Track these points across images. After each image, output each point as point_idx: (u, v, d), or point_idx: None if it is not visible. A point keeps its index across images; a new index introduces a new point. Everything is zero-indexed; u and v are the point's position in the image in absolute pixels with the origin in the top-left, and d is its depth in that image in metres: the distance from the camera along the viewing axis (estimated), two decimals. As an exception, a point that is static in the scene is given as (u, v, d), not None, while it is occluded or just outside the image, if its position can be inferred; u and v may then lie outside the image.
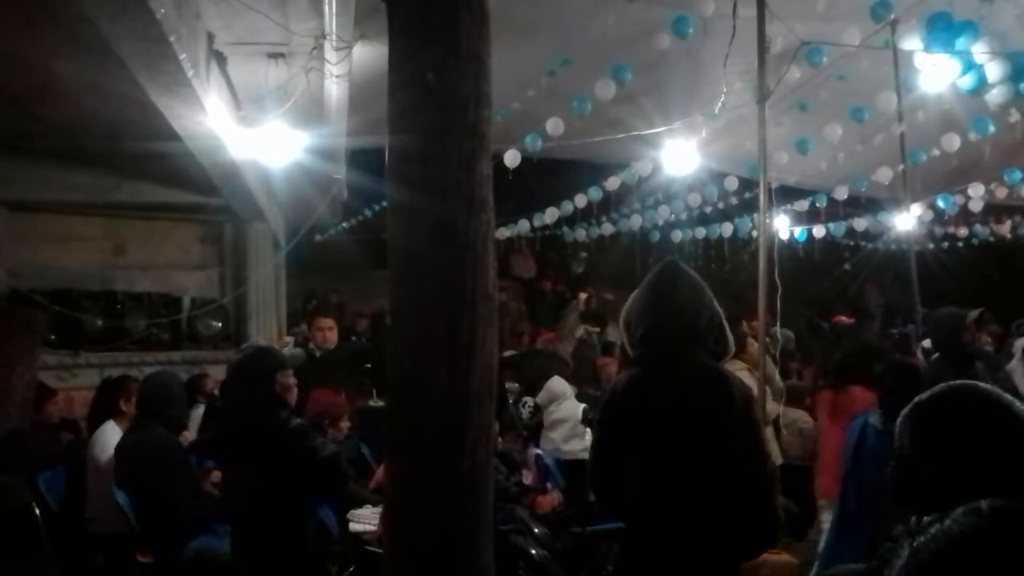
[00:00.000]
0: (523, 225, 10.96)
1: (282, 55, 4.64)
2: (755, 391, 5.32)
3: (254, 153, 5.28)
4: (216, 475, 5.09)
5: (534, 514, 5.48)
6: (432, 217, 1.09)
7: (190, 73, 3.93)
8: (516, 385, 8.51)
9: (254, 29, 4.29)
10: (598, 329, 10.85)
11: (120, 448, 4.78)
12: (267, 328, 9.75)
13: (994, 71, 5.47)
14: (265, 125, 4.98)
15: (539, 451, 6.46)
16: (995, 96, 5.63)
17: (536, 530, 4.93)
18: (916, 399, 1.64)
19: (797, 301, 12.11)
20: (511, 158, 7.95)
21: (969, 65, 5.58)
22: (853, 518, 3.84)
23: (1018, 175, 8.56)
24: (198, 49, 4.16)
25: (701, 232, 11.18)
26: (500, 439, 6.53)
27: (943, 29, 5.47)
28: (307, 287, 12.78)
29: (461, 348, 1.15)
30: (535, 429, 7.00)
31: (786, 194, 9.83)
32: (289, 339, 9.05)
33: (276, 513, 3.69)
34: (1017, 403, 1.54)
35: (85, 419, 6.09)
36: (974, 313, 5.37)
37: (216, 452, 4.41)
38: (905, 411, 1.65)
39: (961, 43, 5.46)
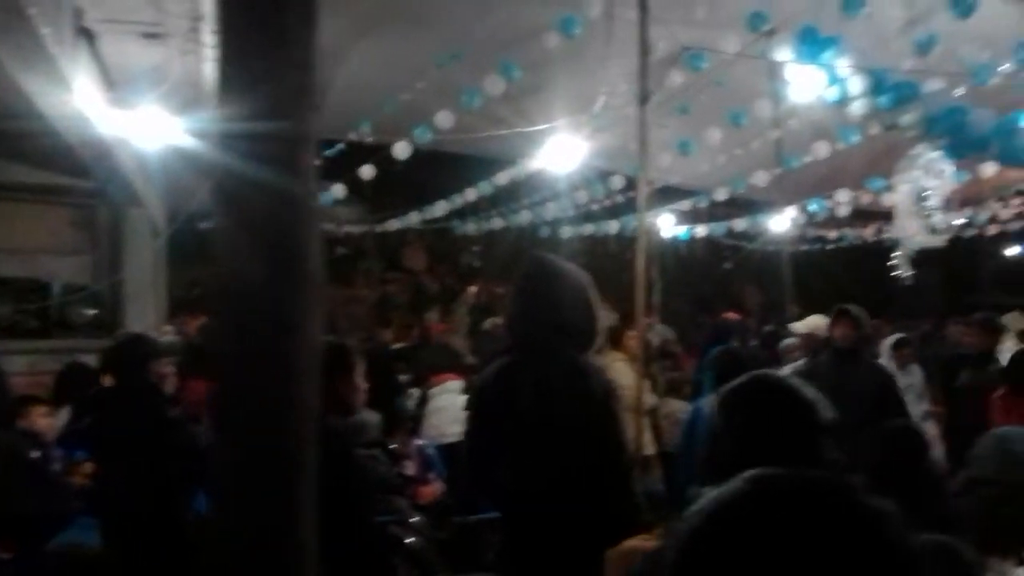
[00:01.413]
0: (413, 217, 10.93)
1: (157, 36, 4.49)
2: (632, 382, 5.53)
3: (127, 135, 5.09)
4: (88, 467, 4.90)
5: (415, 504, 5.51)
6: (255, 201, 1.11)
7: (54, 49, 3.77)
8: (405, 377, 8.49)
9: (126, 7, 4.15)
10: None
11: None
12: (146, 317, 9.42)
13: (856, 85, 5.78)
14: (139, 107, 4.81)
15: (422, 442, 6.49)
16: (857, 108, 5.96)
17: (413, 520, 4.95)
18: (727, 385, 1.79)
19: (681, 298, 12.54)
20: (401, 150, 7.95)
21: (834, 78, 5.88)
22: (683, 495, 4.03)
23: (880, 183, 9.08)
24: (63, 24, 3.99)
25: (589, 229, 11.42)
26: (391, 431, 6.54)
27: (810, 43, 5.76)
28: (191, 275, 12.39)
29: (286, 328, 1.17)
30: (420, 420, 7.03)
31: (669, 194, 10.15)
32: (169, 328, 8.79)
33: (151, 505, 3.60)
34: (808, 388, 1.70)
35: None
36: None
37: (87, 443, 4.25)
38: (718, 394, 1.79)
39: (826, 57, 5.75)
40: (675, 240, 11.19)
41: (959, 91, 6.40)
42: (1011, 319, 7.97)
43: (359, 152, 8.43)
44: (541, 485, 2.63)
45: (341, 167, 8.93)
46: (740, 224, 10.84)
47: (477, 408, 2.87)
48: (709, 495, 0.87)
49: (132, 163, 7.27)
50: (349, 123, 8.19)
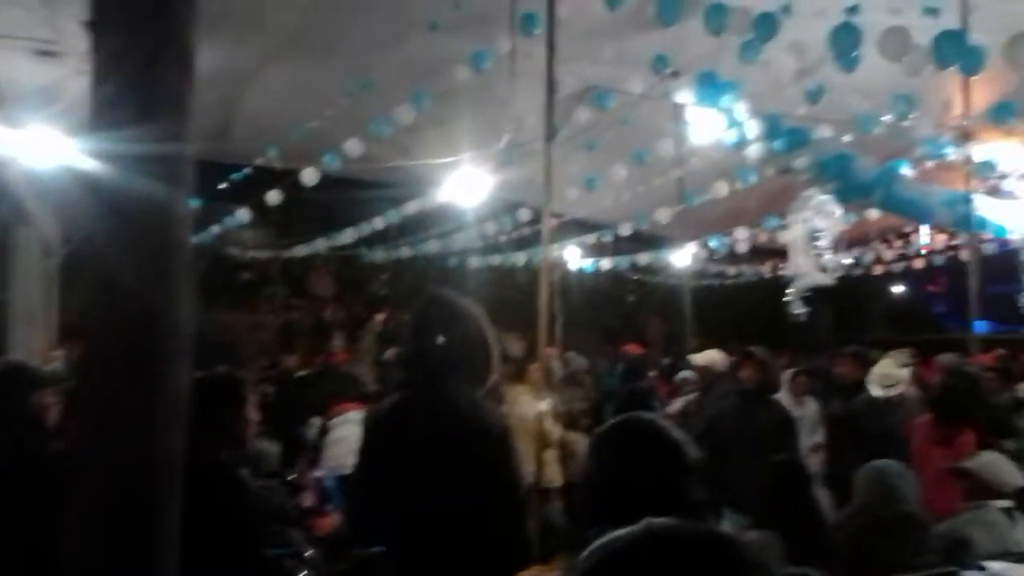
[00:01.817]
0: (320, 244, 10.82)
1: (52, 54, 4.35)
2: (536, 413, 5.58)
3: (15, 153, 4.90)
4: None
5: (312, 537, 5.41)
6: (131, 217, 1.10)
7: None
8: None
9: (19, 23, 4.01)
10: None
11: None
12: (33, 341, 8.99)
13: (753, 129, 6.04)
14: (29, 125, 4.64)
15: (320, 473, 6.38)
16: (754, 151, 6.21)
17: (308, 553, 4.85)
18: (602, 426, 1.85)
19: (586, 330, 12.72)
20: (309, 176, 7.87)
21: (732, 121, 6.12)
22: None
23: (775, 222, 9.47)
24: (-49, 38, 3.83)
25: (497, 260, 11.50)
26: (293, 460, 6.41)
27: (710, 87, 5.99)
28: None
29: (146, 374, 1.15)
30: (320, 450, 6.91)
31: (576, 227, 10.34)
32: (58, 353, 8.41)
33: (26, 543, 3.41)
34: (675, 430, 1.77)
35: None
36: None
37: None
38: (591, 436, 1.85)
39: (725, 101, 5.99)
40: (581, 272, 11.37)
41: (847, 138, 6.76)
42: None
43: (266, 177, 8.32)
44: (429, 521, 2.62)
45: (248, 192, 8.79)
46: (644, 258, 11.10)
47: (369, 441, 2.85)
48: (603, 538, 0.92)
49: (22, 181, 6.99)
50: (257, 148, 8.08)
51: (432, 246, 11.02)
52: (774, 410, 5.26)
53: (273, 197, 8.39)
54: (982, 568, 3.38)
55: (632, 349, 10.93)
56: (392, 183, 9.24)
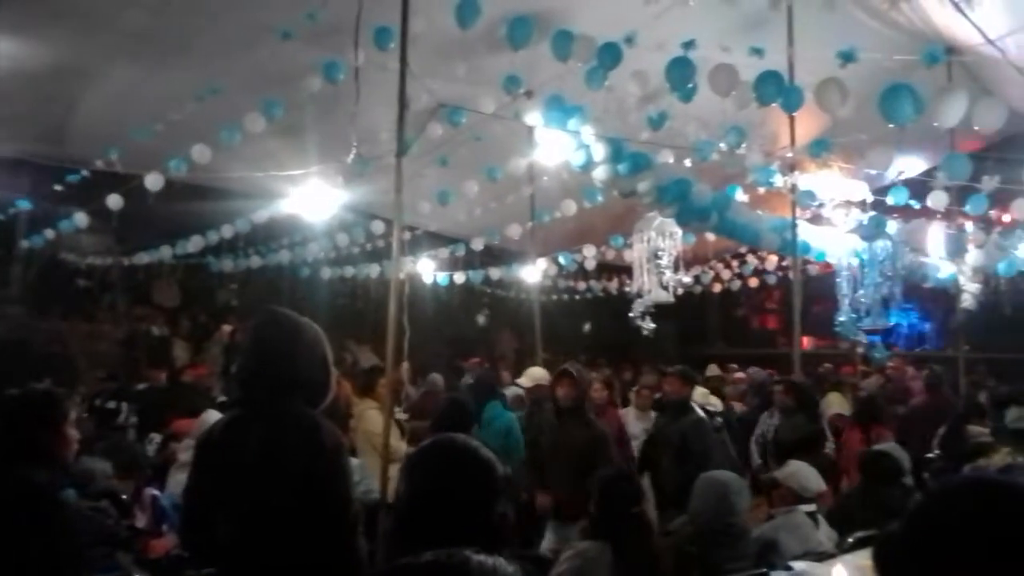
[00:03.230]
0: (165, 251, 10.39)
1: None
2: (382, 430, 5.57)
3: None
4: None
5: (145, 559, 5.19)
6: None
7: None
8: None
9: None
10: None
11: None
12: None
13: (599, 152, 6.28)
14: None
15: (155, 492, 6.13)
16: (599, 173, 6.46)
17: (137, 576, 4.67)
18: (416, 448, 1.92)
19: (439, 343, 12.78)
20: (153, 181, 7.58)
21: (579, 144, 6.35)
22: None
23: (620, 240, 9.87)
24: None
25: (350, 271, 11.40)
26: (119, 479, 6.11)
27: (558, 109, 6.20)
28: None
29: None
30: (162, 467, 6.63)
31: (429, 240, 10.41)
32: None
33: None
34: (485, 449, 1.86)
35: None
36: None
37: None
38: (404, 458, 1.92)
39: (572, 124, 6.21)
40: (435, 286, 11.43)
41: (687, 163, 7.15)
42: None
43: (107, 181, 7.95)
44: (261, 540, 2.61)
45: (86, 195, 8.37)
46: (496, 273, 11.28)
47: (202, 459, 2.81)
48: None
49: None
50: (97, 150, 7.72)
51: (283, 256, 10.80)
52: (588, 427, 5.45)
53: (114, 201, 8.03)
54: (789, 568, 3.67)
55: (475, 363, 11.06)
56: (241, 192, 9.02)
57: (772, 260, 11.41)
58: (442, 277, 11.16)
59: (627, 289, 10.84)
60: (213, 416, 5.02)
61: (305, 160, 7.42)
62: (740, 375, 10.42)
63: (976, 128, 4.82)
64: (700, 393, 6.90)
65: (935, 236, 7.53)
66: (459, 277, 11.26)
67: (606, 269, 12.45)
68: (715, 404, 7.65)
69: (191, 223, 9.91)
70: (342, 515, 2.71)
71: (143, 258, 10.72)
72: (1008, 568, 1.12)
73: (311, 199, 7.70)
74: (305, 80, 6.76)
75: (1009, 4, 5.39)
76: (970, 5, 5.36)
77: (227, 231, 9.45)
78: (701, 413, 5.99)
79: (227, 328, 11.86)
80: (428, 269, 11.00)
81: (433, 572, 0.98)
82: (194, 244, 10.00)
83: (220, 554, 2.69)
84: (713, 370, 9.11)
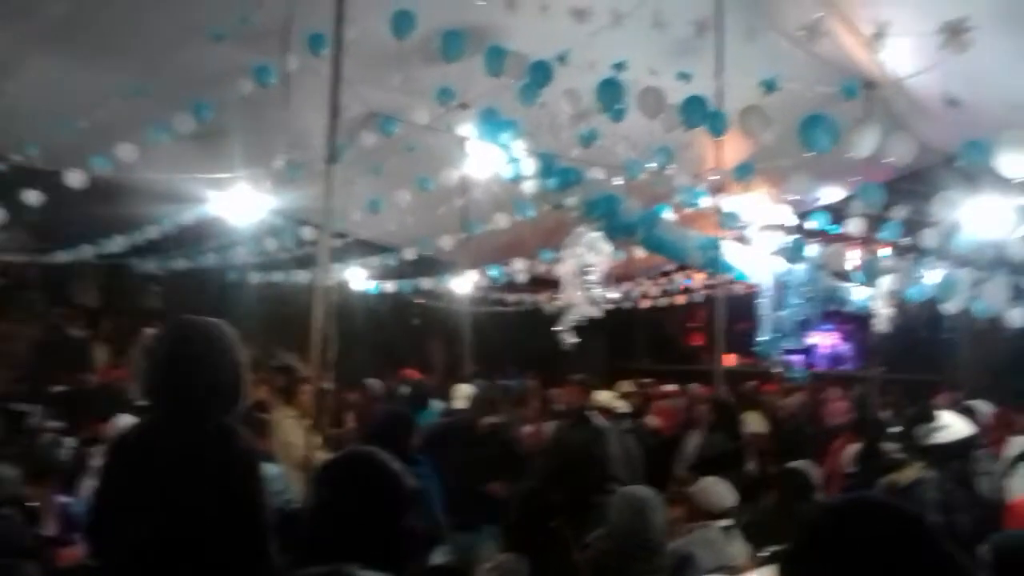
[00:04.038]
0: (86, 251, 10.12)
1: None
2: (301, 439, 5.53)
3: None
4: None
5: (52, 568, 5.04)
6: None
7: None
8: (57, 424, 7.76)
9: None
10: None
11: None
12: None
13: (529, 166, 6.35)
14: None
15: (67, 499, 5.95)
16: (530, 187, 6.54)
17: (44, 586, 4.53)
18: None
19: (369, 352, 12.69)
20: (75, 179, 7.39)
21: (511, 157, 6.42)
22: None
23: (550, 255, 9.95)
24: None
25: (279, 277, 11.25)
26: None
27: (490, 123, 6.26)
28: None
29: None
30: (75, 473, 6.44)
31: (361, 249, 10.34)
32: None
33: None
34: (395, 462, 1.88)
35: None
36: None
37: None
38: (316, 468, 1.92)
39: (505, 137, 6.27)
40: (365, 294, 11.37)
41: (617, 181, 7.26)
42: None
43: (25, 176, 7.71)
44: (171, 547, 2.58)
45: (2, 190, 8.10)
46: (427, 283, 11.27)
47: (111, 465, 2.77)
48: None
49: None
50: (14, 144, 7.49)
51: (210, 260, 10.61)
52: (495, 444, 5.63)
53: (32, 198, 7.79)
54: (704, 581, 3.78)
55: (411, 374, 11.03)
56: (167, 193, 8.84)
57: (699, 278, 11.64)
58: (372, 286, 11.11)
59: (556, 303, 10.94)
60: (127, 420, 4.92)
61: (233, 163, 7.33)
62: (670, 388, 10.50)
63: (890, 160, 5.02)
64: (606, 396, 7.07)
65: (852, 260, 7.79)
66: (390, 286, 11.22)
67: (536, 282, 12.54)
68: (621, 407, 7.77)
69: (115, 223, 9.67)
70: (255, 522, 2.70)
71: (63, 257, 10.41)
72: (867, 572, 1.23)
73: (239, 203, 7.59)
74: (236, 83, 6.67)
75: (919, 44, 5.65)
76: (881, 43, 5.61)
77: (152, 232, 9.26)
78: (601, 421, 6.17)
79: (150, 331, 11.56)
80: (358, 277, 10.93)
81: None
82: (117, 244, 9.76)
83: (128, 560, 2.65)
84: (627, 386, 9.24)
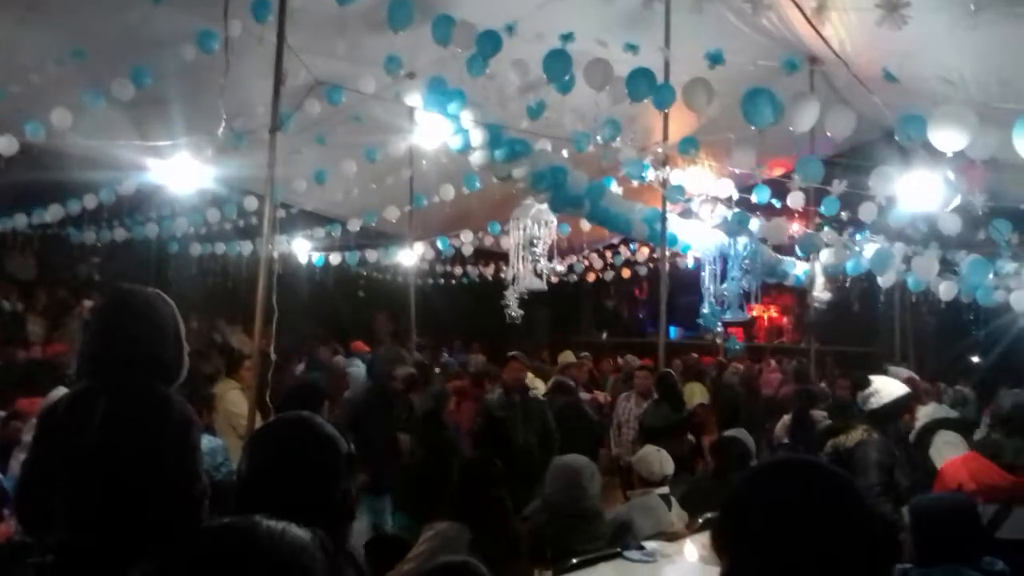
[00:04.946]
0: (20, 220, 9.81)
1: None
2: (245, 409, 5.48)
3: None
4: None
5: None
6: None
7: None
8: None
9: None
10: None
11: None
12: None
13: (477, 137, 6.34)
14: None
15: None
16: (477, 158, 6.52)
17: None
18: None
19: (315, 323, 12.59)
20: (6, 145, 7.16)
21: (458, 128, 6.39)
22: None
23: (498, 228, 9.98)
24: None
25: (221, 248, 11.05)
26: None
27: (438, 93, 6.22)
28: None
29: None
30: (4, 448, 6.29)
31: (306, 219, 10.23)
32: None
33: None
34: (327, 425, 1.88)
35: None
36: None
37: None
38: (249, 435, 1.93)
39: (452, 108, 6.24)
40: (310, 266, 11.25)
41: (564, 153, 7.29)
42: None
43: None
44: (101, 516, 2.56)
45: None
46: (373, 255, 11.19)
47: (43, 433, 2.72)
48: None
49: None
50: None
51: (151, 230, 10.36)
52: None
53: (-40, 165, 7.53)
54: (642, 547, 3.87)
55: (360, 347, 10.99)
56: (105, 161, 8.59)
57: (644, 252, 11.77)
58: (317, 257, 10.99)
59: (503, 275, 10.98)
60: (61, 393, 4.81)
61: (174, 131, 7.16)
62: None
63: (828, 134, 5.13)
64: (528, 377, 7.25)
65: (792, 234, 7.96)
66: (335, 258, 11.11)
67: (483, 255, 12.54)
68: (538, 388, 7.96)
69: (50, 191, 9.38)
70: (188, 491, 2.68)
71: (-7, 226, 10.08)
72: (787, 533, 1.27)
73: (180, 171, 7.43)
74: (177, 48, 6.51)
75: (861, 18, 5.76)
76: (824, 19, 5.70)
77: (89, 201, 9.00)
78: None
79: (88, 303, 11.30)
80: (303, 249, 10.81)
81: (221, 535, 1.03)
82: (53, 214, 9.48)
83: (58, 530, 2.61)
84: (567, 357, 9.34)
